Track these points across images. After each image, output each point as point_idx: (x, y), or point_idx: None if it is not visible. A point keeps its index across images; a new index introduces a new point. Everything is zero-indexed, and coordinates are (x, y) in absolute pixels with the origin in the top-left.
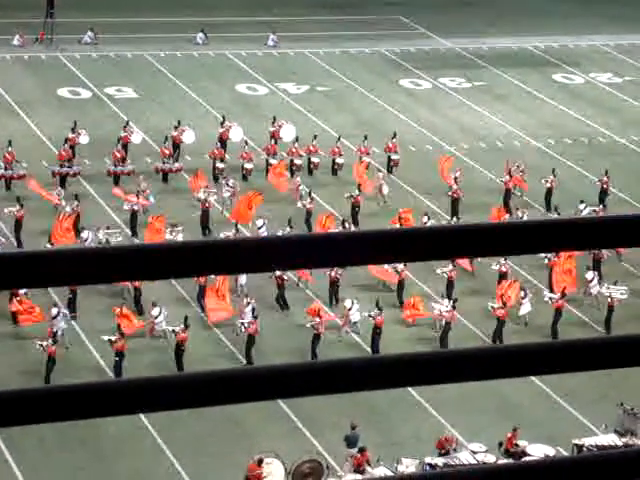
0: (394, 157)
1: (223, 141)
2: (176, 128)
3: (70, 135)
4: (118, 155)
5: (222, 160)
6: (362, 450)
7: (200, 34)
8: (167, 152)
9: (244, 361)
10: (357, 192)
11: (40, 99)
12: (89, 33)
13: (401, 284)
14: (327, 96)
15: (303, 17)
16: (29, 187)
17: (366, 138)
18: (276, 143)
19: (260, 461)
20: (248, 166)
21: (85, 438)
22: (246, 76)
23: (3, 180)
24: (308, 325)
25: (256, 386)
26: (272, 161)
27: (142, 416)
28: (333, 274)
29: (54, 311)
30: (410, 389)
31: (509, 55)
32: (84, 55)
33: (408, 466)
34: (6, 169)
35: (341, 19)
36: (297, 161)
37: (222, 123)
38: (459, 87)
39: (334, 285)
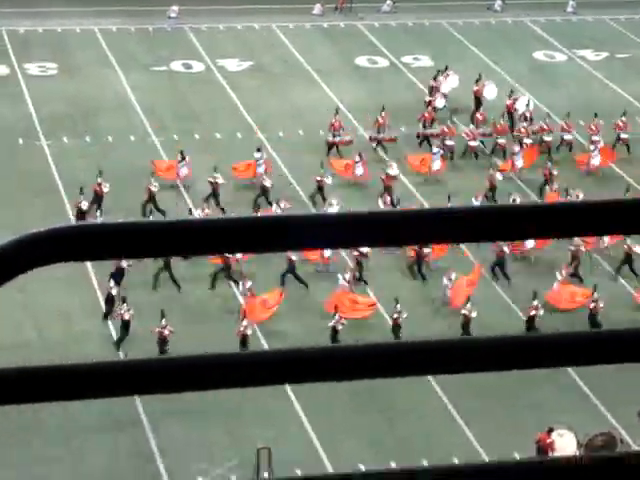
0: (623, 136)
1: (510, 113)
2: (477, 82)
3: (428, 98)
4: (427, 116)
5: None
6: None
7: (498, 1)
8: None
9: None
10: None
11: (338, 68)
12: (388, 2)
13: None
14: (627, 63)
15: None
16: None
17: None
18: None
19: (550, 430)
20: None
21: (378, 402)
22: (544, 43)
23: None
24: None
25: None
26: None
27: (432, 380)
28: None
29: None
30: None
31: None
32: (382, 24)
33: None
34: (334, 136)
35: None
36: (546, 138)
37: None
38: None
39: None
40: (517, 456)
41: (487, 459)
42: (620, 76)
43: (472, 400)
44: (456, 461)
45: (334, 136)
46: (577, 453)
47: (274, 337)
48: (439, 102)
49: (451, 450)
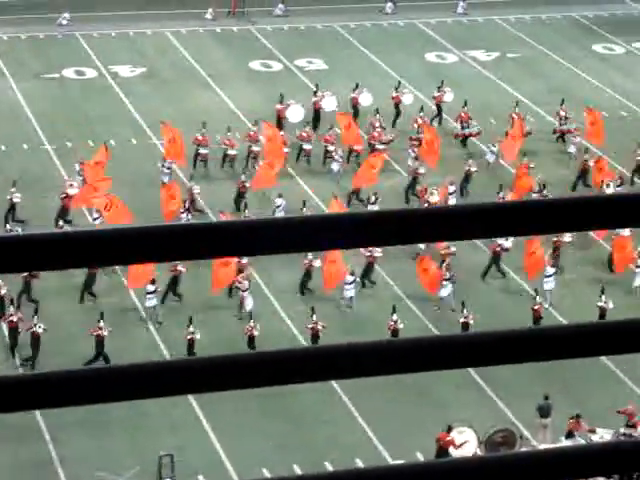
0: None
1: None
2: (354, 90)
3: (278, 106)
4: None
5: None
6: (577, 416)
7: (389, 3)
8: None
9: None
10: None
11: (232, 72)
12: (280, 5)
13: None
14: (518, 63)
15: None
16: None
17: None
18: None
19: (450, 428)
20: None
21: (282, 407)
22: (435, 44)
23: (461, 138)
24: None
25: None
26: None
27: (335, 385)
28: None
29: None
30: (603, 358)
31: None
32: (275, 27)
33: (602, 436)
34: (462, 128)
35: None
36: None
37: (396, 88)
38: None
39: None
40: (419, 455)
41: (390, 460)
42: (511, 76)
43: (374, 401)
44: (359, 462)
45: (462, 128)
46: (477, 450)
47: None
48: (292, 114)
49: (354, 452)
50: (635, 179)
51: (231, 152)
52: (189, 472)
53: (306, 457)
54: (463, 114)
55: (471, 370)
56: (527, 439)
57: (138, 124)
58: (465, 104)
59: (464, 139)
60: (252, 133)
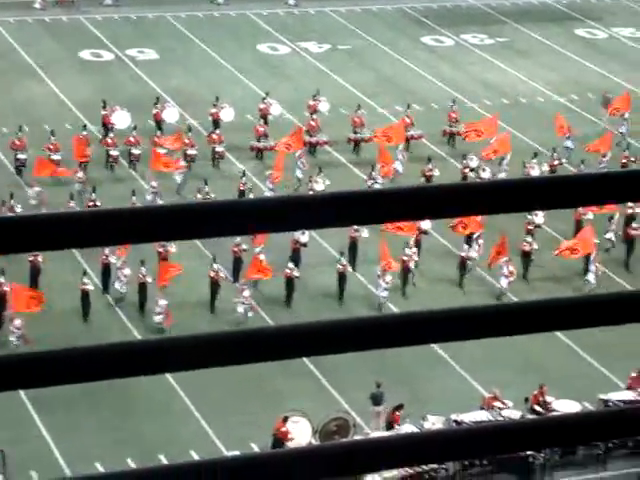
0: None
1: (265, 117)
2: (215, 105)
3: (103, 112)
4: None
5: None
6: (398, 407)
7: None
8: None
9: None
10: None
11: (62, 62)
12: None
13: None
14: (349, 54)
15: None
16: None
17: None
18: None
19: (285, 418)
20: (135, 151)
21: (114, 400)
22: (267, 36)
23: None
24: None
25: (284, 344)
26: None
27: (170, 378)
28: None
29: None
30: (433, 345)
31: (531, 11)
32: (105, 17)
33: (434, 423)
34: (355, 132)
35: None
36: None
37: (263, 99)
38: (481, 43)
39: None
40: (254, 446)
41: (225, 452)
42: (342, 67)
43: (209, 394)
44: (195, 455)
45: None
46: (312, 439)
47: None
48: (118, 119)
49: (190, 445)
50: None
51: (55, 157)
52: (21, 468)
53: (141, 451)
54: (357, 118)
55: (305, 359)
56: (360, 427)
57: None
58: (359, 107)
59: (357, 144)
60: (81, 137)
